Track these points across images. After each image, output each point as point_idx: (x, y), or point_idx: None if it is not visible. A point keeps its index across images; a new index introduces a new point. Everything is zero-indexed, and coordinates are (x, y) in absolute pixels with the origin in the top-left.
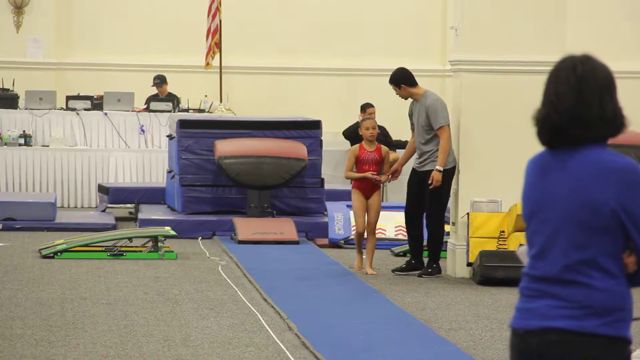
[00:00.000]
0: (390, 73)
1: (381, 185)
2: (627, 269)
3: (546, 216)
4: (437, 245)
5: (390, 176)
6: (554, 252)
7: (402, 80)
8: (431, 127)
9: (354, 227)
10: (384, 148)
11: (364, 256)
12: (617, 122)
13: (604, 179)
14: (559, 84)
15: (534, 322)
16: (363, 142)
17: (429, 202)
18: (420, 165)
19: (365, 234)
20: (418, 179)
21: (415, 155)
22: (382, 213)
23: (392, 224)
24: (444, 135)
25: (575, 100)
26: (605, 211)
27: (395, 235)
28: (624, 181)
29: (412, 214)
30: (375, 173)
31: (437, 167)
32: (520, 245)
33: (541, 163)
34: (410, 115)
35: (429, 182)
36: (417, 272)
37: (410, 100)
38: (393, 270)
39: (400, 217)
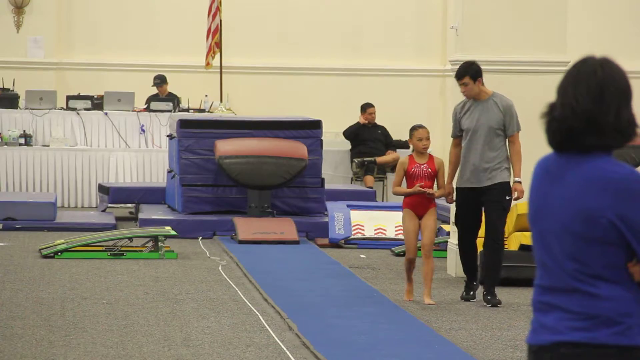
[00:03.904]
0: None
1: (435, 202)
2: (635, 278)
3: (545, 224)
4: (500, 268)
5: (447, 192)
6: (554, 262)
7: (480, 74)
8: (503, 130)
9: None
10: (437, 160)
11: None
12: (629, 131)
13: (601, 189)
14: (578, 86)
15: (545, 337)
16: (413, 154)
17: (498, 220)
18: (480, 180)
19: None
20: (475, 195)
21: (467, 167)
22: (382, 213)
23: (392, 223)
24: (519, 142)
25: (594, 106)
26: (601, 222)
27: (396, 235)
28: (622, 191)
29: (468, 237)
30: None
31: (517, 179)
32: None
33: (546, 167)
34: (460, 119)
35: (512, 196)
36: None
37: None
38: (466, 300)
39: (400, 217)
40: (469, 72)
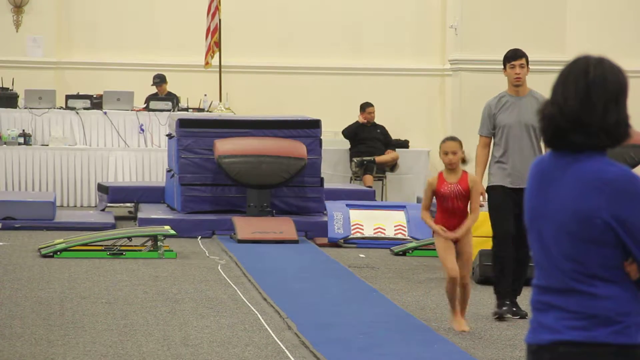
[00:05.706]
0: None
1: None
2: (631, 277)
3: (542, 225)
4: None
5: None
6: (551, 262)
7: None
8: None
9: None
10: (471, 177)
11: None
12: (618, 132)
13: (596, 190)
14: (567, 85)
15: (544, 337)
16: (443, 171)
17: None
18: (521, 180)
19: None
20: (513, 197)
21: (506, 165)
22: (381, 212)
23: (391, 223)
24: None
25: (580, 106)
26: (596, 223)
27: (395, 234)
28: (617, 192)
29: (508, 246)
30: (460, 210)
31: None
32: None
33: (541, 168)
34: (495, 114)
35: None
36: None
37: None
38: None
39: (399, 217)
40: (525, 55)
